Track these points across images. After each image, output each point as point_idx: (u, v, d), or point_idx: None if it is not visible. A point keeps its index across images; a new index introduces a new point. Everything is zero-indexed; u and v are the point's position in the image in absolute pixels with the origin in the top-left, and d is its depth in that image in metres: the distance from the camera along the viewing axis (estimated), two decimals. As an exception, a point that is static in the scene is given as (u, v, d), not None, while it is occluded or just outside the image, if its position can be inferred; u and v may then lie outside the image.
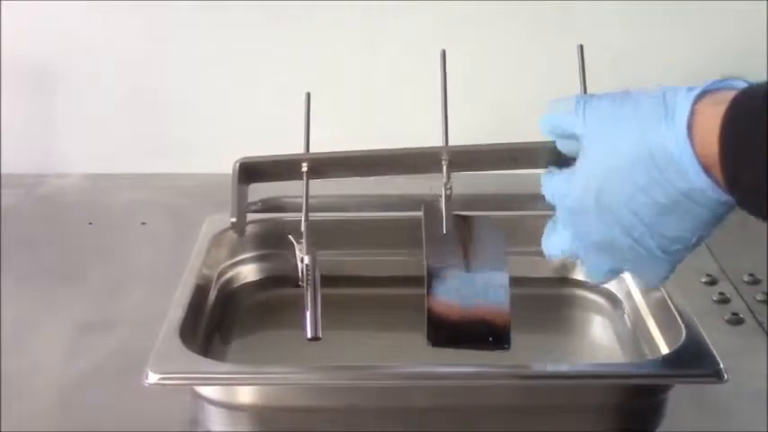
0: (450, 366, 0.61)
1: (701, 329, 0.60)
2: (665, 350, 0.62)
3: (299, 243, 0.62)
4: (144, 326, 0.64)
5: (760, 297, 0.74)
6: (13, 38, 0.93)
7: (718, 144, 0.44)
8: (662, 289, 0.65)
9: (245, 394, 0.58)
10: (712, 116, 0.45)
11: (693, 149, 0.46)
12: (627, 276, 0.71)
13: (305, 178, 0.64)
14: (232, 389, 0.58)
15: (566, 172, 0.54)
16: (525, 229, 0.68)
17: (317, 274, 0.61)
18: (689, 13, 0.93)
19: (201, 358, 0.59)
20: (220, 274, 0.73)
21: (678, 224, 0.49)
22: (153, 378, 0.55)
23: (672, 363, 0.58)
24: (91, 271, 0.78)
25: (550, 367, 0.61)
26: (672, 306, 0.63)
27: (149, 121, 0.97)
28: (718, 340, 0.59)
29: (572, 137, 0.52)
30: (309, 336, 0.59)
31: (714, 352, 0.57)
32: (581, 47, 0.61)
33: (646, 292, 0.68)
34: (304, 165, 0.64)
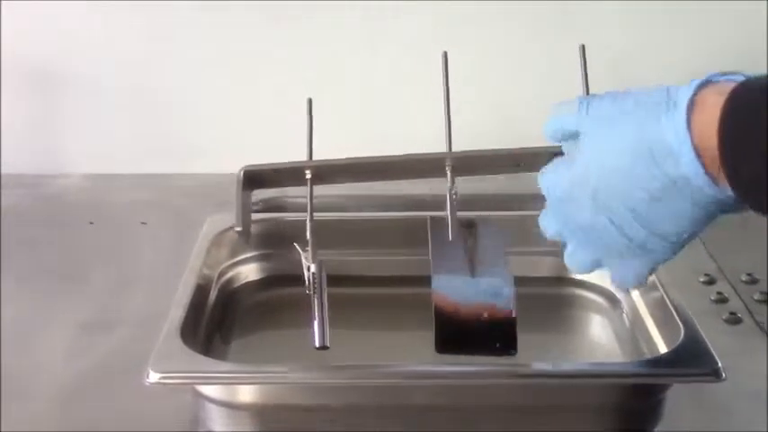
0: (450, 366, 0.61)
1: (700, 329, 0.60)
2: (663, 349, 0.62)
3: (304, 251, 0.62)
4: (145, 325, 0.64)
5: (758, 297, 0.74)
6: (13, 38, 0.93)
7: (717, 137, 0.44)
8: (660, 288, 0.65)
9: (246, 393, 0.58)
10: (713, 106, 0.45)
11: (691, 139, 0.46)
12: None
13: (309, 185, 0.64)
14: (233, 388, 0.58)
15: (559, 161, 0.54)
16: (525, 229, 0.68)
17: (324, 283, 0.61)
18: (689, 13, 0.93)
19: (202, 357, 0.59)
20: (221, 274, 0.73)
21: (665, 216, 0.48)
22: (154, 377, 0.56)
23: (670, 362, 0.58)
24: (92, 271, 0.78)
25: (549, 366, 0.61)
26: (670, 305, 0.63)
27: (149, 121, 0.97)
28: (716, 340, 0.59)
29: (574, 136, 0.53)
30: (317, 345, 0.59)
31: (712, 351, 0.57)
32: (583, 47, 0.62)
33: (644, 291, 0.68)
34: (308, 172, 0.64)
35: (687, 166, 0.46)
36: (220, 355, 0.66)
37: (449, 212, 0.63)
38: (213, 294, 0.71)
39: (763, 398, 0.62)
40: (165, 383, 0.56)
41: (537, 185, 0.55)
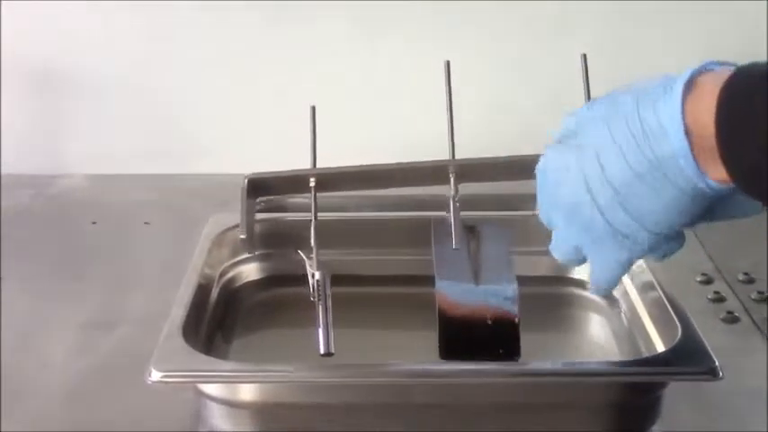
0: (449, 365, 0.62)
1: (697, 328, 0.60)
2: (661, 348, 0.62)
3: (309, 258, 0.63)
4: (147, 324, 0.65)
5: (755, 296, 0.74)
6: (13, 38, 0.93)
7: (714, 125, 0.44)
8: (658, 288, 0.66)
9: (247, 392, 0.59)
10: (709, 93, 0.45)
11: (683, 120, 0.45)
12: (624, 276, 0.71)
13: (312, 193, 0.65)
14: (234, 386, 0.58)
15: (555, 144, 0.54)
16: (525, 229, 0.69)
17: (329, 290, 0.61)
18: (689, 13, 0.93)
19: (204, 356, 0.59)
20: (222, 274, 0.73)
21: (646, 199, 0.48)
22: (156, 376, 0.56)
23: (668, 361, 0.58)
24: (94, 270, 0.79)
25: (548, 365, 0.61)
26: (668, 304, 0.64)
27: (149, 122, 0.97)
28: (713, 338, 0.59)
29: (575, 133, 0.53)
30: (322, 352, 0.59)
31: (709, 350, 0.58)
32: (584, 56, 0.62)
33: (642, 290, 0.69)
34: (312, 180, 0.65)
35: (675, 145, 0.46)
36: (222, 354, 0.66)
37: (452, 220, 0.63)
38: (215, 294, 0.71)
39: (760, 396, 0.62)
40: (166, 382, 0.56)
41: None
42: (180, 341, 0.59)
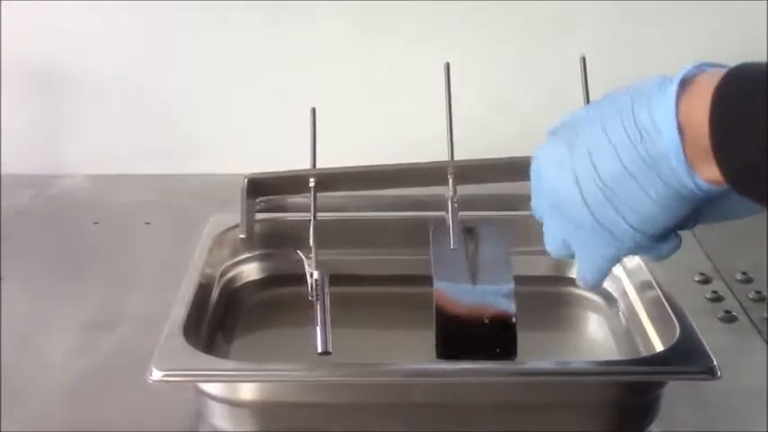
0: (448, 364, 0.62)
1: (695, 327, 0.60)
2: (659, 347, 0.62)
3: (307, 257, 0.63)
4: (148, 324, 0.65)
5: (753, 295, 0.74)
6: (13, 38, 0.93)
7: (708, 125, 0.44)
8: (656, 287, 0.66)
9: (248, 391, 0.59)
10: (704, 92, 0.45)
11: (676, 117, 0.46)
12: (622, 275, 0.72)
13: (312, 193, 0.65)
14: (235, 385, 0.59)
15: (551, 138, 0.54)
16: (525, 229, 0.69)
17: (327, 289, 0.62)
18: (689, 13, 0.93)
19: (204, 355, 0.59)
20: (223, 273, 0.74)
21: (633, 195, 0.48)
22: (157, 375, 0.56)
23: (666, 360, 0.59)
24: (96, 270, 0.79)
25: (546, 364, 0.62)
26: (666, 304, 0.64)
27: (150, 122, 0.97)
28: (711, 338, 0.60)
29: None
30: (320, 351, 0.60)
31: (708, 349, 0.58)
32: (583, 58, 0.62)
33: (641, 289, 0.69)
34: (311, 180, 0.65)
35: (667, 143, 0.46)
36: (222, 354, 0.66)
37: (450, 221, 0.63)
38: (215, 293, 0.71)
39: (759, 395, 0.62)
40: (167, 381, 0.57)
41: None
42: (181, 340, 0.59)
